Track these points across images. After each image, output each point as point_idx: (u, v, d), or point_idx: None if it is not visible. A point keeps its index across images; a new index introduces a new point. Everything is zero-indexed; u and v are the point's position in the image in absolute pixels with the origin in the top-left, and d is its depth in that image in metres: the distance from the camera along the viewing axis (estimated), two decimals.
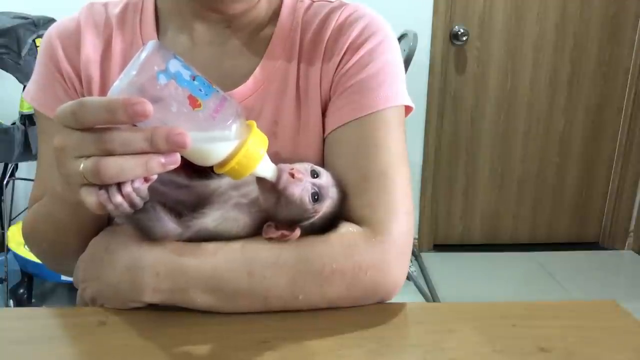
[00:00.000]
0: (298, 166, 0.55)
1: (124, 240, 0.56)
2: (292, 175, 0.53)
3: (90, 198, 0.45)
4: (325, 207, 0.56)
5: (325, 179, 0.57)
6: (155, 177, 0.47)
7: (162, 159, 0.43)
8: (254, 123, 0.50)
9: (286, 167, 0.53)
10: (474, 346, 0.53)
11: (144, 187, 0.47)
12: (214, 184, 0.59)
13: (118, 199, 0.45)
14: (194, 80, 0.44)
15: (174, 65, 0.44)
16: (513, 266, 2.63)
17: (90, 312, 0.57)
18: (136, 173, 0.44)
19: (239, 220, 0.57)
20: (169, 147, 0.42)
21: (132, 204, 0.46)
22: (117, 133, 0.43)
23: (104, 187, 0.45)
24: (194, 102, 0.44)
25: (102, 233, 0.61)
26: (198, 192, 0.59)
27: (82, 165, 0.43)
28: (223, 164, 0.47)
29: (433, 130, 2.60)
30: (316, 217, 0.56)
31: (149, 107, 0.41)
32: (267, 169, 0.51)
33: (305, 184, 0.54)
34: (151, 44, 0.44)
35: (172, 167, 0.44)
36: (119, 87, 0.43)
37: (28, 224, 0.68)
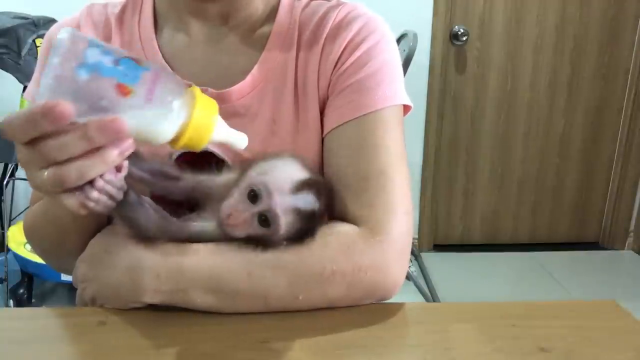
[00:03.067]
0: (233, 203, 0.53)
1: (124, 241, 0.56)
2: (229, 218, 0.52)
3: (70, 201, 0.45)
4: (286, 224, 0.52)
5: (279, 198, 0.52)
6: (126, 166, 0.47)
7: (115, 150, 0.42)
8: (197, 89, 0.46)
9: (225, 210, 0.53)
10: (474, 346, 0.53)
11: (117, 179, 0.47)
12: (209, 180, 0.59)
13: (94, 194, 0.45)
14: (117, 65, 0.41)
15: (93, 55, 0.40)
16: (513, 266, 2.63)
17: (90, 312, 0.57)
18: (98, 170, 0.43)
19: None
20: (106, 138, 0.41)
21: (110, 196, 0.47)
22: (52, 141, 0.42)
23: (79, 187, 0.45)
24: (123, 90, 0.40)
25: (102, 233, 0.61)
26: (191, 185, 0.59)
27: (45, 176, 0.43)
28: (175, 140, 0.45)
29: (433, 130, 2.60)
30: (281, 234, 0.53)
31: (67, 107, 0.39)
32: (226, 134, 0.48)
33: (245, 222, 0.53)
34: (62, 35, 0.40)
35: (128, 152, 0.43)
36: (42, 91, 0.40)
37: (29, 224, 0.69)
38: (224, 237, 0.55)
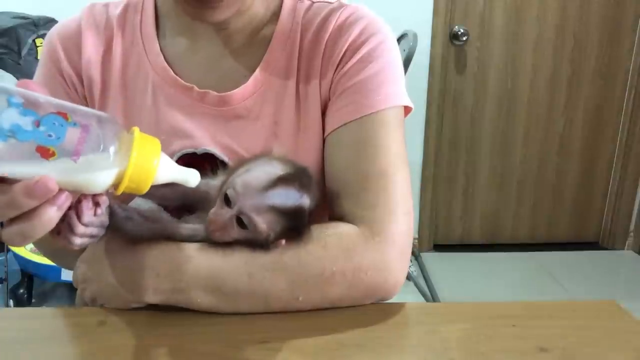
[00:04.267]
0: (215, 209, 0.53)
1: (124, 241, 0.56)
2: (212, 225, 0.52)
3: (59, 243, 0.45)
4: (266, 223, 0.51)
5: (249, 199, 0.51)
6: (104, 201, 0.46)
7: (52, 207, 0.40)
8: (137, 130, 0.44)
9: (209, 217, 0.53)
10: (474, 346, 0.53)
11: (97, 217, 0.46)
12: (205, 184, 0.59)
13: (77, 240, 0.45)
14: (38, 126, 0.38)
15: (9, 118, 0.37)
16: (513, 266, 2.63)
17: (90, 312, 0.57)
18: (40, 231, 0.40)
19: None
20: (36, 200, 0.39)
21: (92, 235, 0.47)
22: None
23: (60, 231, 0.45)
24: (45, 153, 0.38)
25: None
26: (183, 191, 0.59)
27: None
28: (116, 187, 0.43)
29: (433, 130, 2.60)
30: (265, 233, 0.52)
31: None
32: (173, 174, 0.46)
33: (224, 226, 0.52)
34: None
35: (67, 204, 0.41)
36: None
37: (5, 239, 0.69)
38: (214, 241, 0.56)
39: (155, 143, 0.44)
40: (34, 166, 0.38)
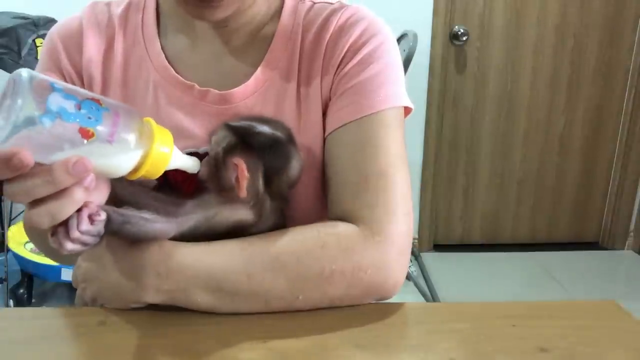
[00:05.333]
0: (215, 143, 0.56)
1: (124, 241, 0.56)
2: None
3: (51, 244, 0.46)
4: (219, 137, 0.56)
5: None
6: (102, 218, 0.47)
7: (80, 188, 0.43)
8: (152, 121, 0.49)
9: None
10: (474, 346, 0.53)
11: (93, 228, 0.47)
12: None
13: (69, 246, 0.46)
14: (80, 109, 0.41)
15: (55, 101, 0.40)
16: (513, 266, 2.63)
17: (90, 312, 0.57)
18: (67, 211, 0.44)
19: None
20: (73, 179, 0.42)
21: (85, 244, 0.47)
22: (16, 184, 0.42)
23: (55, 232, 0.45)
24: (86, 134, 0.42)
25: None
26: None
27: (25, 215, 0.44)
28: (133, 172, 0.47)
29: (433, 130, 2.60)
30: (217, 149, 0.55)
31: (27, 155, 0.39)
32: (181, 162, 0.52)
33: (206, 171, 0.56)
34: (22, 80, 0.40)
35: (93, 185, 0.44)
36: (4, 134, 0.39)
37: (28, 221, 0.69)
38: (214, 230, 0.56)
39: (167, 133, 0.49)
40: (75, 147, 0.41)
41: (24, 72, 0.40)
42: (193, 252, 0.56)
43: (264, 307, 0.56)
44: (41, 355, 0.51)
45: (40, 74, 0.42)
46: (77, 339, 0.54)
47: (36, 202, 0.43)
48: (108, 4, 0.71)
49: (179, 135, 0.65)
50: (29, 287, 2.07)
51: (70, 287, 2.00)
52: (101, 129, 0.42)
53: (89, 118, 0.41)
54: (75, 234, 0.45)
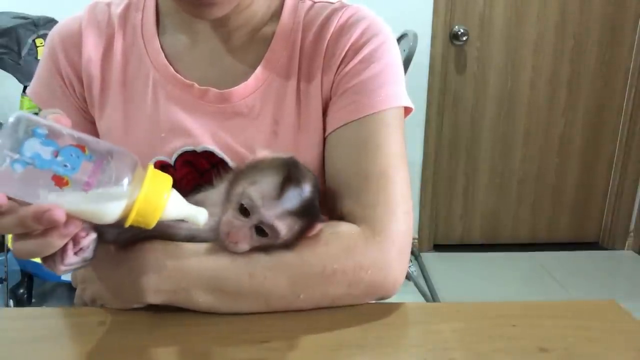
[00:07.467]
0: (229, 219, 0.54)
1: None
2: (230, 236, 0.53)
3: (44, 264, 0.47)
4: (285, 227, 0.53)
5: (268, 209, 0.52)
6: (90, 248, 0.47)
7: (60, 233, 0.42)
8: (151, 166, 0.46)
9: (223, 228, 0.53)
10: (474, 346, 0.53)
11: (76, 259, 0.47)
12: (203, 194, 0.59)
13: (62, 268, 0.46)
14: (56, 156, 0.41)
15: (31, 147, 0.40)
16: (513, 266, 2.63)
17: (90, 312, 0.57)
18: (49, 250, 0.43)
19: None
20: (43, 226, 0.41)
21: (78, 267, 0.48)
22: None
23: (45, 261, 0.46)
24: (59, 182, 0.41)
25: None
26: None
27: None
28: (124, 219, 0.44)
29: (433, 130, 2.60)
30: (284, 236, 0.54)
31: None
32: (181, 211, 0.47)
33: (245, 237, 0.54)
34: (8, 122, 0.40)
35: (73, 232, 0.43)
36: None
37: (16, 252, 0.69)
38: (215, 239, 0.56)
39: (167, 179, 0.46)
40: (48, 193, 0.41)
41: (15, 115, 0.41)
42: (194, 252, 0.56)
43: (264, 307, 0.56)
44: (41, 355, 0.51)
45: (34, 117, 0.41)
46: (77, 339, 0.54)
47: (20, 236, 0.43)
48: (108, 4, 0.71)
49: (178, 133, 0.66)
50: (29, 287, 2.06)
51: (70, 287, 2.00)
52: (77, 177, 0.41)
53: (65, 166, 0.41)
54: (61, 268, 0.46)
